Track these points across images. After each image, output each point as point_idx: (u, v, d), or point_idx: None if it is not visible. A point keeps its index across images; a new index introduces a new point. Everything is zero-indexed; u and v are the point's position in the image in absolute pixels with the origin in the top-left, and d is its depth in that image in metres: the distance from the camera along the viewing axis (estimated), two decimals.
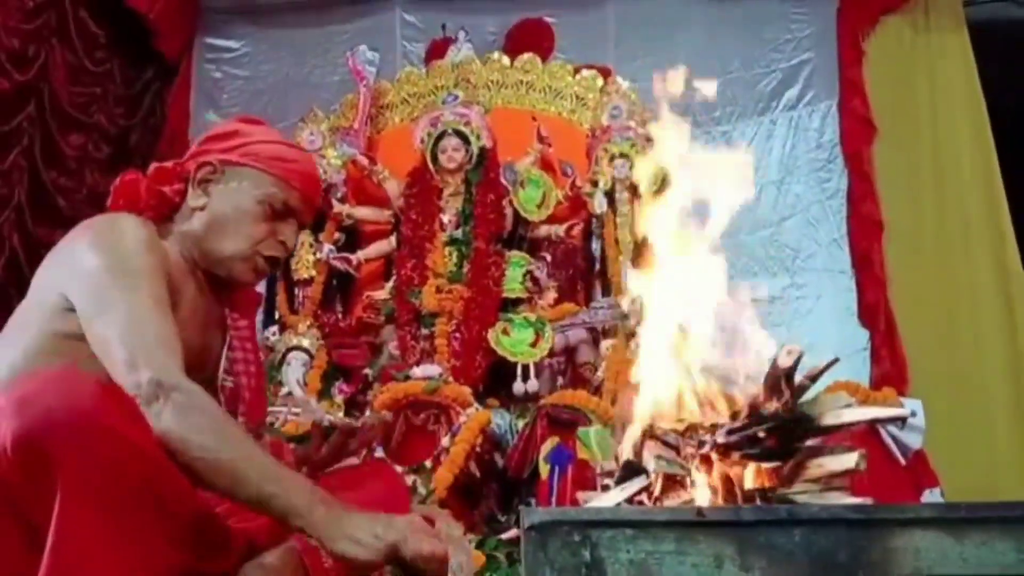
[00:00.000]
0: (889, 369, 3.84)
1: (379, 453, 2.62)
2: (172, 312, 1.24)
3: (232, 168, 1.38)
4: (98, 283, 1.20)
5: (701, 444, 1.17)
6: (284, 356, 3.44)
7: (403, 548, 1.04)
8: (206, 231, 1.36)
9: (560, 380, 3.39)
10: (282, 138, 1.48)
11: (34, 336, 1.23)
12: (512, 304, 3.52)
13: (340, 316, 3.70)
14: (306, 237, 3.81)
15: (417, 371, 3.23)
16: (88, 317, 1.19)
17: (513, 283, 3.53)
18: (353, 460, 1.51)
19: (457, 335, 3.39)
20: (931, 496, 2.96)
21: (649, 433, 1.21)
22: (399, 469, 2.48)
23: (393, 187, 3.80)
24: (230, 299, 1.44)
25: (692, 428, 1.19)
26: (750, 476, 1.14)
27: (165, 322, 1.19)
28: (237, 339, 1.43)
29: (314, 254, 3.77)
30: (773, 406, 1.16)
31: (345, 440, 1.42)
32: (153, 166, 1.42)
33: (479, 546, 2.59)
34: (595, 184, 3.68)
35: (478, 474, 2.90)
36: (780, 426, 1.14)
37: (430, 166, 3.70)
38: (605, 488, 1.23)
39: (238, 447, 1.09)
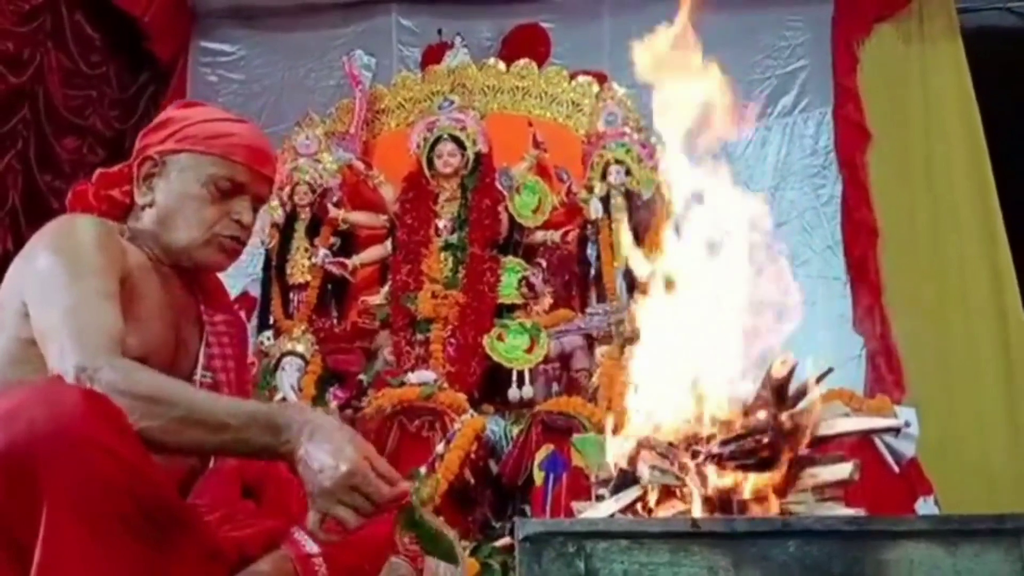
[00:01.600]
0: (884, 375, 3.84)
1: None
2: (134, 308, 1.24)
3: (171, 157, 1.35)
4: (45, 281, 1.20)
5: (696, 454, 1.17)
6: (279, 361, 3.43)
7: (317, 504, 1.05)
8: (158, 226, 1.34)
9: (555, 386, 3.39)
10: (222, 114, 1.43)
11: (4, 343, 1.23)
12: (507, 310, 3.52)
13: (335, 321, 3.70)
14: (302, 241, 3.81)
15: (412, 377, 3.22)
16: (33, 315, 1.19)
17: (508, 289, 3.53)
18: None
19: (452, 341, 3.39)
20: (925, 504, 2.96)
21: (644, 443, 1.21)
22: None
23: (389, 192, 3.80)
24: (203, 294, 1.42)
25: (687, 438, 1.19)
26: (744, 486, 1.14)
27: (105, 312, 1.17)
28: (213, 335, 1.41)
29: (309, 259, 3.77)
30: (768, 416, 1.17)
31: None
32: (98, 172, 1.40)
33: (473, 553, 2.59)
34: (591, 190, 3.68)
35: (472, 481, 2.90)
36: (775, 436, 1.14)
37: (426, 171, 3.70)
38: (599, 498, 1.23)
39: (184, 404, 1.07)
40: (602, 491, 1.25)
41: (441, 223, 3.64)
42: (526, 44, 4.27)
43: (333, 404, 3.30)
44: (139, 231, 1.35)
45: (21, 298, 1.22)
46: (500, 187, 3.70)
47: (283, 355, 3.45)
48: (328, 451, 1.04)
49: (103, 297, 1.19)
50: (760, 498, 1.13)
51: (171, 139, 1.36)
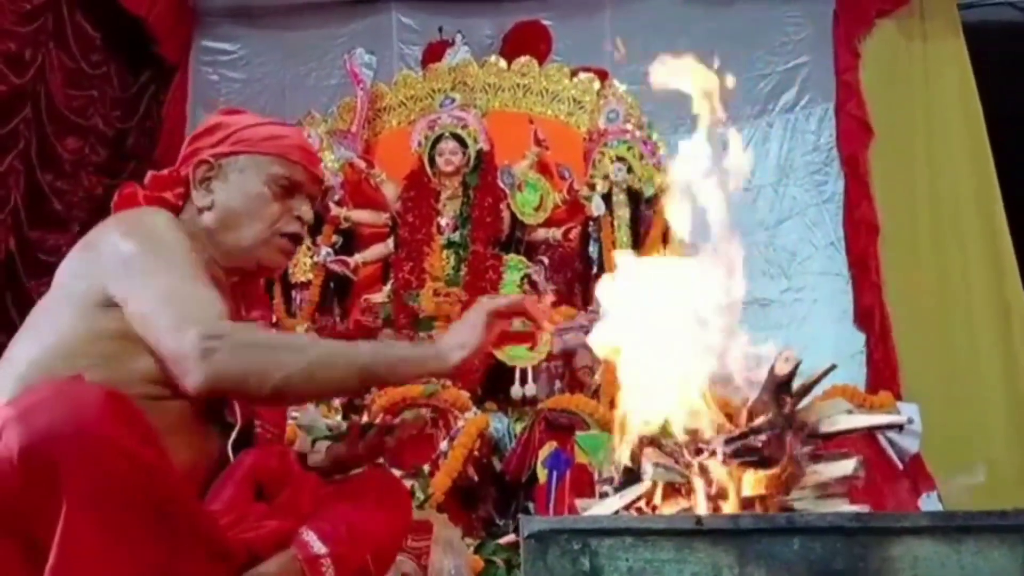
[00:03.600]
0: (885, 372, 3.85)
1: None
2: None
3: (228, 160, 1.38)
4: (137, 266, 1.21)
5: (699, 451, 1.17)
6: None
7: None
8: (220, 227, 1.36)
9: (558, 384, 3.39)
10: (268, 119, 1.47)
11: (57, 335, 1.21)
12: None
13: (338, 319, 3.70)
14: (304, 240, 3.81)
15: None
16: (129, 299, 1.19)
17: (510, 286, 3.53)
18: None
19: None
20: (928, 499, 2.97)
21: (647, 440, 1.21)
22: (397, 474, 2.48)
23: (390, 190, 3.80)
24: (245, 300, 1.44)
25: (691, 435, 1.19)
26: (748, 484, 1.14)
27: (207, 290, 1.20)
28: None
29: (311, 257, 3.77)
30: (771, 413, 1.17)
31: (382, 438, 1.42)
32: (150, 175, 1.41)
33: (477, 550, 2.59)
34: (592, 187, 3.68)
35: (476, 478, 2.90)
36: (778, 433, 1.15)
37: (427, 169, 3.71)
38: (604, 495, 1.23)
39: (311, 348, 1.17)
40: (606, 488, 1.25)
41: (443, 221, 3.64)
42: (527, 41, 4.27)
43: (336, 402, 3.30)
44: (196, 234, 1.35)
45: (95, 286, 1.21)
46: (502, 185, 3.70)
47: None
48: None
49: (199, 278, 1.22)
50: (764, 495, 1.13)
51: (225, 142, 1.38)
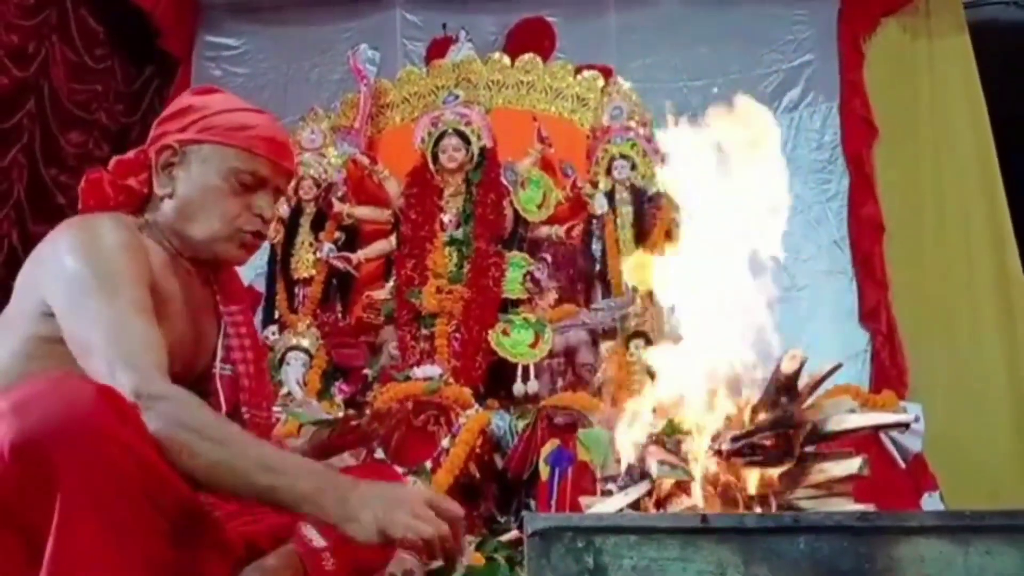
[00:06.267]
0: (889, 371, 3.84)
1: (379, 454, 2.61)
2: (160, 309, 1.22)
3: (192, 147, 1.31)
4: (77, 288, 1.17)
5: (705, 449, 1.16)
6: (283, 356, 3.43)
7: (390, 532, 0.98)
8: (178, 217, 1.31)
9: (560, 381, 3.38)
10: (241, 103, 1.38)
11: (19, 340, 1.21)
12: (512, 305, 3.51)
13: (340, 316, 3.69)
14: (306, 236, 3.81)
15: (417, 372, 3.22)
16: (67, 322, 1.17)
17: (513, 284, 3.52)
18: (351, 460, 1.51)
19: (457, 336, 3.38)
20: (931, 499, 2.96)
21: (652, 438, 1.21)
22: (399, 470, 2.48)
23: (393, 186, 3.79)
24: (219, 285, 1.40)
25: (697, 433, 1.19)
26: (754, 482, 1.13)
27: (147, 328, 1.16)
28: (231, 325, 1.38)
29: (314, 253, 3.77)
30: (776, 411, 1.16)
31: (368, 428, 1.42)
32: (114, 160, 1.36)
33: (479, 548, 2.59)
34: (595, 185, 3.67)
35: (478, 475, 2.90)
36: (784, 432, 1.14)
37: (430, 166, 3.70)
38: (607, 493, 1.23)
39: (230, 446, 1.05)
40: (609, 486, 1.25)
41: (446, 218, 3.63)
42: (531, 38, 4.26)
43: (339, 398, 3.30)
44: (157, 223, 1.32)
45: (42, 299, 1.20)
46: (505, 182, 3.69)
47: (288, 350, 3.45)
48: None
49: (143, 311, 1.17)
50: (769, 493, 1.13)
51: (191, 128, 1.32)
